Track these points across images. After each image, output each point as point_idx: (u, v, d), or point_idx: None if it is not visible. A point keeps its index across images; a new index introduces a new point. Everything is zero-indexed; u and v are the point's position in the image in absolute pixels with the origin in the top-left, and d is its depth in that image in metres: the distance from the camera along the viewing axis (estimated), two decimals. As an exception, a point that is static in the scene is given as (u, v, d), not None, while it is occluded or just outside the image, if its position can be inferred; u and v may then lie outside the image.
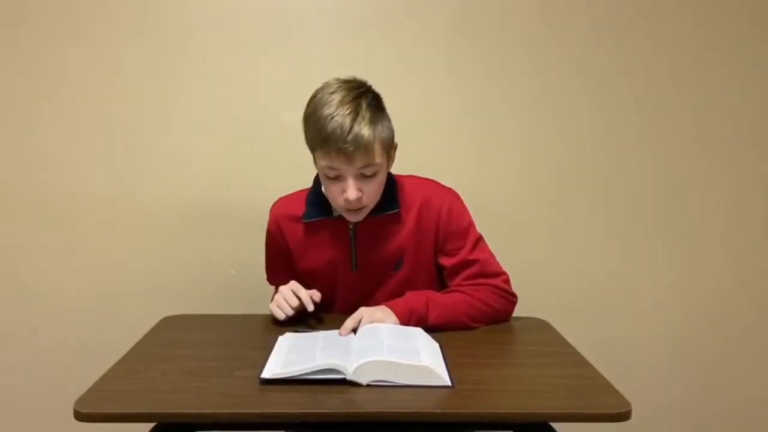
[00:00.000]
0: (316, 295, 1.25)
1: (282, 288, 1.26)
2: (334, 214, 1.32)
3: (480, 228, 1.35)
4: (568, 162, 1.78)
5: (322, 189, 1.30)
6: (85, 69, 1.68)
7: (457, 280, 1.32)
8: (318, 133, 1.17)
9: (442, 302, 1.25)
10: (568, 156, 1.77)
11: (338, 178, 1.20)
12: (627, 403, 0.90)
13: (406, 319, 1.20)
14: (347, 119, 1.15)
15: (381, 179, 1.24)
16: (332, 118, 1.15)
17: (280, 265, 1.40)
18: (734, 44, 1.74)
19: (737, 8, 1.73)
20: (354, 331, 1.14)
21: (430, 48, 1.71)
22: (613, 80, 1.74)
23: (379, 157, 1.20)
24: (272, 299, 1.29)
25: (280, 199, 1.41)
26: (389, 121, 1.25)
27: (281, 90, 1.69)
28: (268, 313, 1.44)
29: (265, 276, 1.46)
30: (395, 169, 1.36)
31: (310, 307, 1.22)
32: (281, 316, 1.24)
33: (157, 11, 1.67)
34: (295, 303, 1.23)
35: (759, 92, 1.77)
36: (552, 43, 1.72)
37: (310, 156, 1.27)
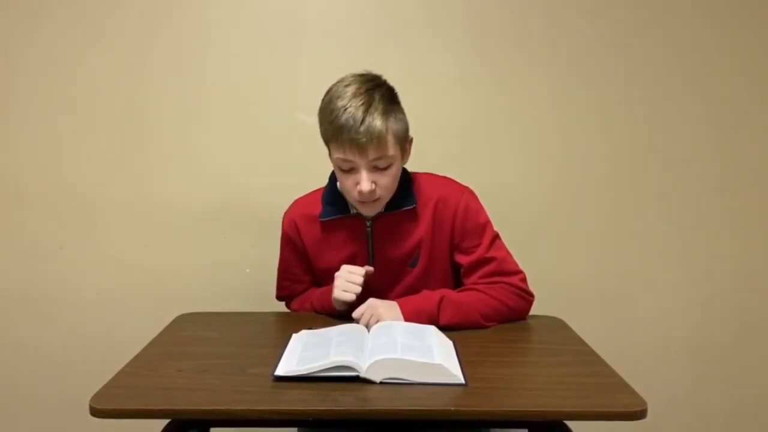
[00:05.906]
0: (369, 269, 1.28)
1: (338, 274, 1.27)
2: (351, 212, 1.32)
3: (494, 227, 1.35)
4: (582, 162, 1.76)
5: (337, 184, 1.30)
6: (103, 71, 1.69)
7: (474, 278, 1.30)
8: (331, 125, 1.18)
9: (457, 301, 1.24)
10: (582, 156, 1.76)
11: (352, 170, 1.21)
12: (643, 402, 0.89)
13: (414, 318, 1.20)
14: (360, 110, 1.16)
15: (395, 172, 1.24)
16: (345, 109, 1.16)
17: (296, 268, 1.41)
18: (743, 41, 1.72)
19: (744, 8, 1.71)
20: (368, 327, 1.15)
21: (443, 51, 1.70)
22: (624, 81, 1.73)
23: (392, 149, 1.20)
24: (332, 291, 1.27)
25: (295, 201, 1.42)
26: (403, 114, 1.25)
27: (296, 90, 1.70)
28: (280, 310, 1.45)
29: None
30: (411, 169, 1.36)
31: (370, 270, 1.28)
32: (352, 297, 1.24)
33: (174, 13, 1.68)
34: (360, 279, 1.25)
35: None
36: (564, 46, 1.71)
37: (325, 155, 1.27)
